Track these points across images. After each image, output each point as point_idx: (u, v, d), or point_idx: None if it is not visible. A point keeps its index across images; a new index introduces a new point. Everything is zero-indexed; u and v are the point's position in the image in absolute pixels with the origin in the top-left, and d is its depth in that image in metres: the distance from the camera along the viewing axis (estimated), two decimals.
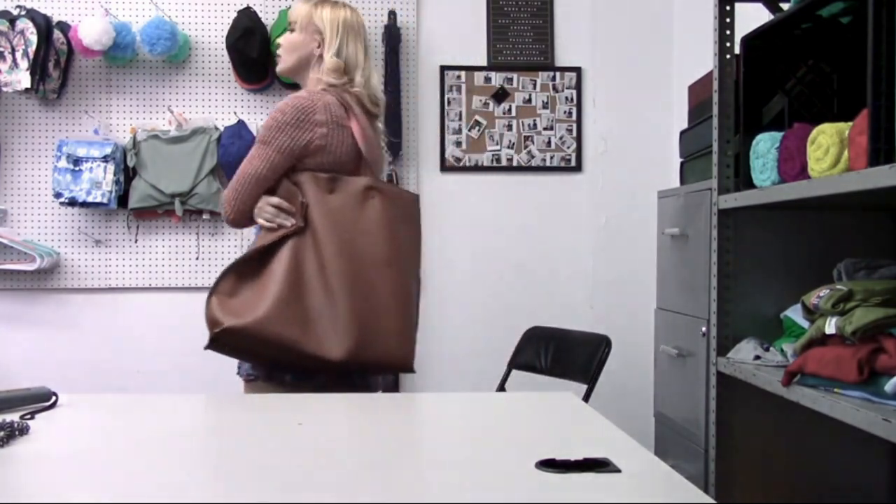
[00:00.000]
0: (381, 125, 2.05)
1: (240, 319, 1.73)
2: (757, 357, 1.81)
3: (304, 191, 1.83)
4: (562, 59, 3.43)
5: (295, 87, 3.27)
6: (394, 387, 3.27)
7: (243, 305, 1.76)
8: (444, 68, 3.38)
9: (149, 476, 1.01)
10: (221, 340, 1.75)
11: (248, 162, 1.86)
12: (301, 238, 1.80)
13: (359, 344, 1.76)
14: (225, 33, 3.20)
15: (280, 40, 1.99)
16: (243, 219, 1.88)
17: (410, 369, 1.88)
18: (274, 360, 1.81)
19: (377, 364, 1.84)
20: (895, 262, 1.69)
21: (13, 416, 1.25)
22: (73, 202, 3.13)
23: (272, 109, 1.89)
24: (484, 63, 3.40)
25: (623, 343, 2.80)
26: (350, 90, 1.92)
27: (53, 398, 1.37)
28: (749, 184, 1.78)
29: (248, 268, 1.81)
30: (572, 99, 3.42)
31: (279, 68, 2.01)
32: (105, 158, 3.13)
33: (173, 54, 3.18)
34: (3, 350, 3.20)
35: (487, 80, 3.39)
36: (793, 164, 1.58)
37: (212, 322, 1.75)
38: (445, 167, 3.39)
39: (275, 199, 1.84)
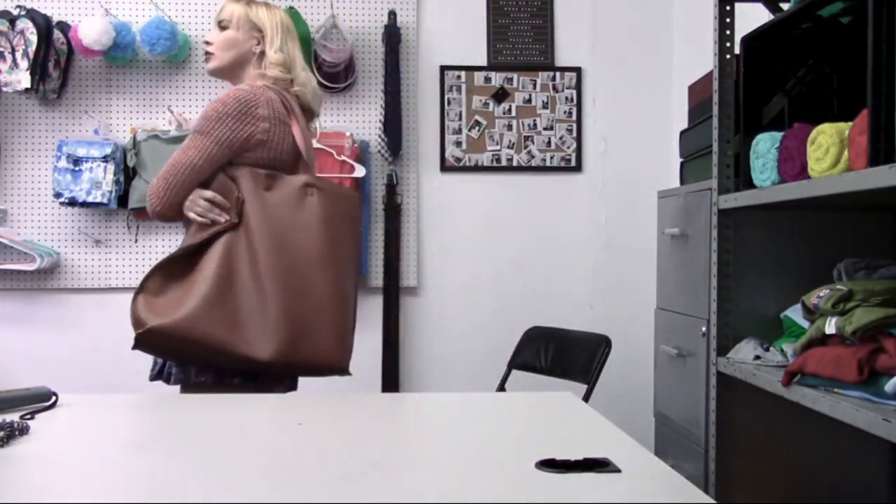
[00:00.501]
0: (316, 124, 2.01)
1: (164, 319, 1.69)
2: (757, 357, 1.81)
3: (240, 186, 1.80)
4: (562, 59, 3.43)
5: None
6: (394, 387, 3.27)
7: (169, 305, 1.72)
8: (444, 68, 3.38)
9: (149, 476, 1.01)
10: (146, 341, 1.71)
11: (182, 152, 1.82)
12: (234, 235, 1.77)
13: (289, 344, 1.73)
14: None
15: (210, 38, 1.97)
16: (172, 212, 1.83)
17: (345, 371, 1.85)
18: (203, 361, 1.77)
19: (309, 365, 1.80)
20: (895, 262, 1.69)
21: (13, 416, 1.25)
22: (73, 202, 3.13)
23: (213, 101, 1.85)
24: (484, 63, 3.40)
25: (623, 343, 2.80)
26: (291, 90, 1.94)
27: (53, 398, 1.37)
28: (749, 184, 1.78)
29: (177, 266, 1.78)
30: (572, 99, 3.42)
31: (212, 66, 1.97)
32: (105, 158, 3.13)
33: (173, 54, 3.18)
34: (3, 350, 3.20)
35: (487, 80, 3.39)
36: (793, 164, 1.58)
37: (136, 322, 1.71)
38: (445, 167, 3.39)
39: (209, 193, 1.80)
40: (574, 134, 3.42)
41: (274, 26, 1.95)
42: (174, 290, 1.75)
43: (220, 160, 1.81)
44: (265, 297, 1.74)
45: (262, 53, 1.94)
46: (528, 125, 3.40)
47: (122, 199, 3.19)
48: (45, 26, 3.06)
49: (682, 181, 2.51)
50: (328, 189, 1.87)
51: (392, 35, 3.29)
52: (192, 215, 1.80)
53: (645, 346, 2.69)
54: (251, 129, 1.81)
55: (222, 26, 1.96)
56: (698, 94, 2.45)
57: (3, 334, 3.23)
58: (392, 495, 0.94)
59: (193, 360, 1.79)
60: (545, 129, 3.41)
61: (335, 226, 1.84)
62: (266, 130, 1.83)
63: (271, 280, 1.75)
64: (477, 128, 3.38)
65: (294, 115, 1.90)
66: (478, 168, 3.40)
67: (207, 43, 1.97)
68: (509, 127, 3.39)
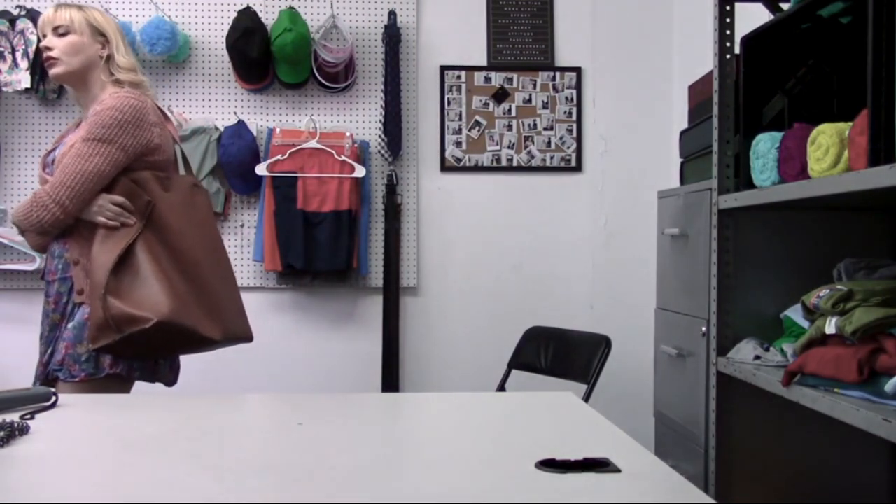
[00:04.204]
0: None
1: (161, 312, 1.77)
2: (757, 357, 1.81)
3: (148, 189, 1.89)
4: (562, 59, 3.43)
5: (296, 86, 3.28)
6: (394, 387, 3.27)
7: (145, 301, 1.79)
8: (444, 68, 3.38)
9: (149, 476, 1.01)
10: (151, 333, 1.77)
11: (84, 160, 1.84)
12: (148, 235, 1.86)
13: (228, 322, 1.93)
14: (225, 33, 3.20)
15: (51, 44, 1.94)
16: (70, 220, 1.87)
17: (251, 338, 2.05)
18: (168, 350, 1.93)
19: (240, 338, 2.00)
20: (895, 262, 1.69)
21: (13, 416, 1.25)
22: None
23: (103, 108, 1.87)
24: (484, 63, 3.40)
25: (623, 343, 2.80)
26: (147, 93, 2.00)
27: (53, 398, 1.37)
28: (749, 184, 1.78)
29: (115, 274, 1.82)
30: (572, 99, 3.41)
31: (59, 71, 1.95)
32: None
33: (173, 54, 3.18)
34: (3, 350, 3.20)
35: (487, 80, 3.39)
36: (793, 164, 1.58)
37: (129, 319, 1.76)
38: (445, 167, 3.39)
39: (118, 198, 1.86)
40: (574, 134, 3.42)
41: (115, 31, 2.00)
42: (135, 290, 1.81)
43: (122, 166, 1.88)
44: (202, 286, 1.88)
45: (109, 58, 1.97)
46: (528, 125, 3.40)
47: None
48: None
49: (682, 181, 2.51)
50: (201, 186, 2.08)
51: (392, 35, 3.29)
52: (101, 220, 1.85)
53: (645, 346, 2.69)
54: (149, 135, 1.90)
55: (61, 32, 1.94)
56: (698, 94, 2.45)
57: (3, 334, 3.22)
58: (392, 495, 0.94)
59: (163, 350, 1.91)
60: (545, 129, 3.41)
61: (213, 217, 2.05)
62: (159, 135, 1.93)
63: (200, 271, 1.89)
64: (477, 128, 3.38)
65: (168, 118, 2.03)
66: (478, 168, 3.40)
67: (48, 48, 1.94)
68: (509, 127, 3.39)
